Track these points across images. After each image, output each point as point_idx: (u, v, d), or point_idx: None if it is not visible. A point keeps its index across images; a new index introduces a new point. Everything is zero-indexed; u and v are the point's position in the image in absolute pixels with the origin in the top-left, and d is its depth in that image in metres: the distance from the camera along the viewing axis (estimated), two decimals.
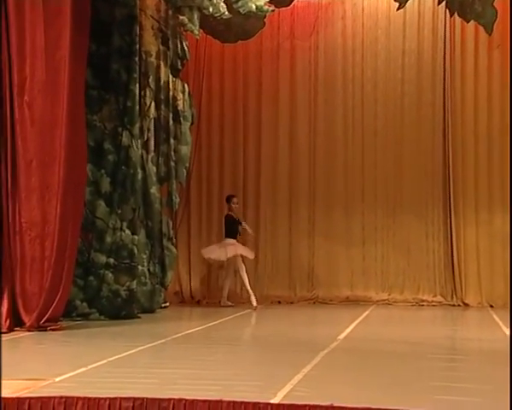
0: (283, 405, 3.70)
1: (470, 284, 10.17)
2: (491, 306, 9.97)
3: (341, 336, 6.84)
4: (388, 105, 10.57)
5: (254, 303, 9.58)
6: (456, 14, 9.61)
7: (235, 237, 9.93)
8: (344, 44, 10.70)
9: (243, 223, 10.06)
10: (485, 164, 10.28)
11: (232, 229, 9.93)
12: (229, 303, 9.93)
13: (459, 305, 10.08)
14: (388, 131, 10.56)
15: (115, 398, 3.77)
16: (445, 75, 10.36)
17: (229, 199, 10.10)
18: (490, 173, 10.25)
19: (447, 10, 9.77)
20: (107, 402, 3.74)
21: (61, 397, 3.80)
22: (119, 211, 8.42)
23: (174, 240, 9.71)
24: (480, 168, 10.30)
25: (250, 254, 10.07)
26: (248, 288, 9.71)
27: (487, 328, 7.99)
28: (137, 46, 8.68)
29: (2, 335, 6.62)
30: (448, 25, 10.32)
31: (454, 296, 10.17)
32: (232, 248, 9.79)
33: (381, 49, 10.58)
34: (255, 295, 9.73)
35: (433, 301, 10.19)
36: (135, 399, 3.76)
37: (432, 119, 10.42)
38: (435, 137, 10.41)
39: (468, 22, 9.79)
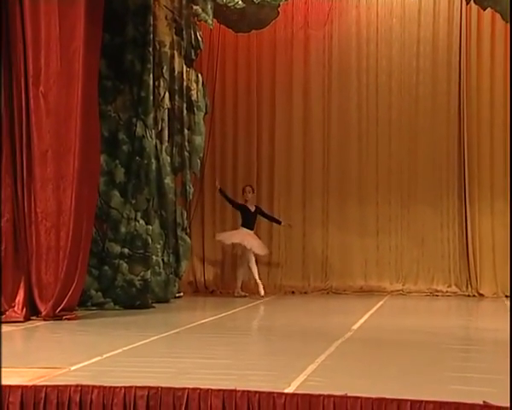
0: (298, 395, 3.70)
1: (485, 274, 10.12)
2: (507, 296, 9.90)
3: (355, 327, 6.84)
4: (403, 94, 10.50)
5: (262, 293, 9.61)
6: (472, 2, 9.52)
7: (251, 228, 9.93)
8: (358, 33, 10.64)
9: (282, 222, 10.17)
10: (501, 153, 10.19)
11: (246, 219, 9.91)
12: (243, 293, 9.95)
13: (474, 295, 10.02)
14: (403, 121, 10.49)
15: (130, 387, 3.79)
16: (460, 64, 10.27)
17: (242, 191, 10.13)
18: (506, 163, 10.15)
19: None
20: (123, 391, 3.77)
21: (77, 386, 3.83)
22: (134, 201, 8.45)
23: (188, 230, 9.73)
24: (495, 158, 10.22)
25: (262, 251, 10.01)
26: (257, 278, 9.72)
27: (502, 318, 7.93)
28: (151, 36, 8.67)
29: (18, 324, 6.69)
30: (464, 13, 10.21)
31: (469, 286, 10.12)
32: (245, 238, 9.77)
33: (396, 38, 10.50)
34: (264, 285, 9.77)
35: (447, 292, 10.14)
36: (150, 388, 3.78)
37: (447, 108, 10.34)
38: (450, 127, 10.34)
39: (484, 10, 9.68)
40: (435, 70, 10.40)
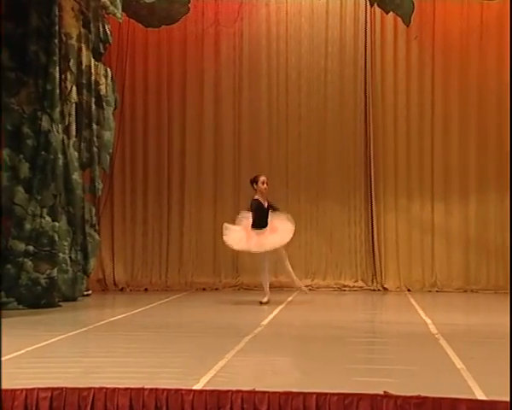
0: (206, 391, 3.70)
1: (389, 269, 10.46)
2: (409, 290, 10.29)
3: (265, 322, 6.91)
4: (312, 92, 10.68)
5: (300, 286, 8.92)
6: (376, 5, 9.85)
7: (264, 226, 8.46)
8: (268, 31, 10.73)
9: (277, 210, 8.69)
10: (404, 151, 10.55)
11: (259, 218, 8.44)
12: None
13: (379, 290, 10.35)
14: (312, 119, 10.68)
15: (32, 389, 3.67)
16: (365, 65, 10.55)
17: (254, 180, 8.62)
18: (408, 161, 10.54)
19: (368, 0, 9.99)
20: (24, 393, 3.64)
21: None
22: (39, 197, 8.20)
23: (97, 227, 9.54)
24: (399, 156, 10.56)
25: (288, 237, 8.57)
26: (293, 276, 8.92)
27: (405, 312, 8.25)
28: (57, 28, 8.42)
29: None
30: (369, 15, 10.50)
31: (374, 281, 10.43)
32: (263, 244, 8.41)
33: (305, 37, 10.66)
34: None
35: (354, 286, 10.41)
36: (53, 389, 3.67)
37: (354, 107, 10.60)
38: (357, 126, 10.60)
39: (387, 13, 10.04)
40: (342, 69, 10.64)
